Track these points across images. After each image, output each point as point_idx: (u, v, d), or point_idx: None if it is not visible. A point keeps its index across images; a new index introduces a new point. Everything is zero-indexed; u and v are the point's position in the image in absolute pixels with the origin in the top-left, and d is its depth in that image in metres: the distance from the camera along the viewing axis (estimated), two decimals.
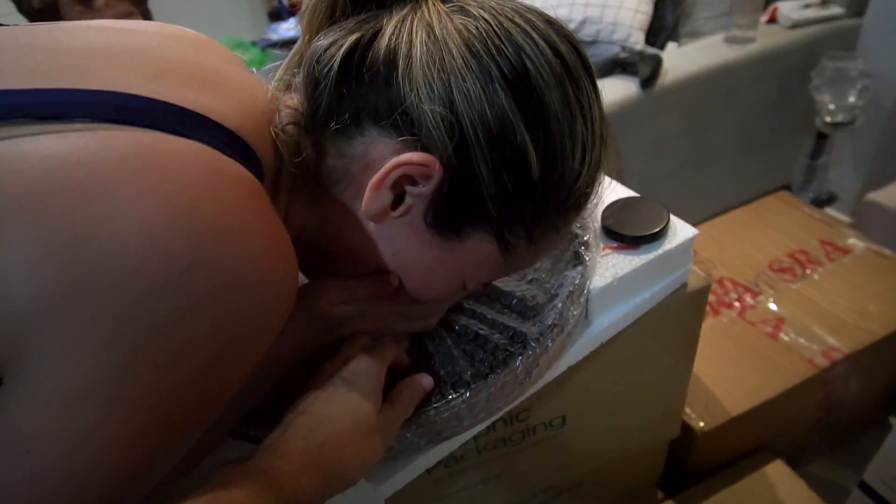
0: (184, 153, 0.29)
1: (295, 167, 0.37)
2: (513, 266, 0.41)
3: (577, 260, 0.51)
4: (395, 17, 0.35)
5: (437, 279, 0.40)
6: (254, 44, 2.37)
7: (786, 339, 0.97)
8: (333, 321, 0.42)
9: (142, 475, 0.28)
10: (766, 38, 1.42)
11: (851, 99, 1.38)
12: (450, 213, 0.36)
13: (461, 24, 0.34)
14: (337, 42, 0.35)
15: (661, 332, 0.60)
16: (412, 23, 0.34)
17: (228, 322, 0.28)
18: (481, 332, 0.49)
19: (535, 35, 0.34)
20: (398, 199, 0.35)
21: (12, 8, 0.98)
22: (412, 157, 0.33)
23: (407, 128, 0.33)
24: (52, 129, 0.27)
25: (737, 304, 1.05)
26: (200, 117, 0.31)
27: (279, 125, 0.36)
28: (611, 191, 0.59)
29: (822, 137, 1.53)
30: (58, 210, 0.25)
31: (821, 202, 1.59)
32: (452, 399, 0.43)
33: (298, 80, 0.37)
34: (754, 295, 1.06)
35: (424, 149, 0.34)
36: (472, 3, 0.35)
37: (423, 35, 0.33)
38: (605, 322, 0.53)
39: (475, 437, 0.56)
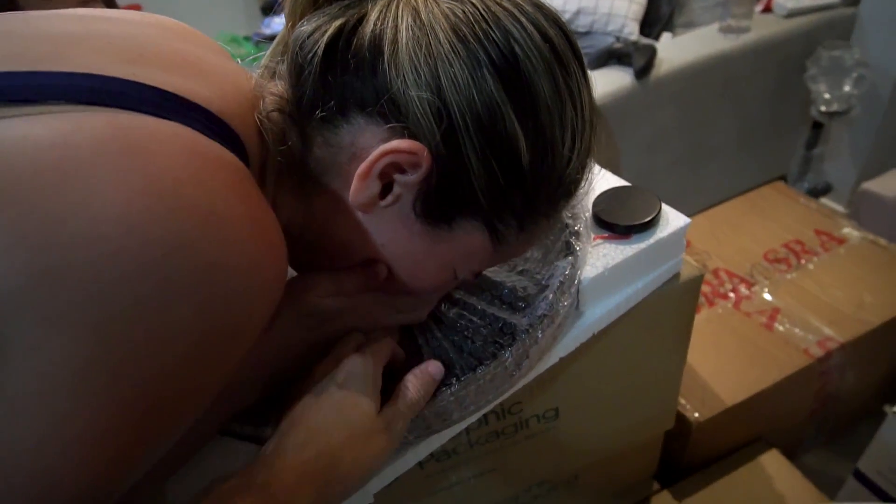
0: (164, 135, 0.28)
1: (281, 156, 0.36)
2: (504, 255, 0.40)
3: (568, 250, 0.50)
4: (381, 2, 0.34)
5: (427, 269, 0.40)
6: (247, 38, 2.36)
7: (781, 329, 0.97)
8: (322, 315, 0.42)
9: (118, 473, 0.27)
10: (761, 28, 1.41)
11: (847, 88, 1.38)
12: (439, 203, 0.35)
13: (448, 8, 0.33)
14: (321, 28, 0.34)
15: (655, 323, 0.60)
16: (398, 7, 0.33)
17: (211, 309, 0.27)
18: (470, 323, 0.48)
19: (523, 19, 0.34)
20: (386, 189, 0.35)
21: None
22: (400, 144, 0.32)
23: (394, 115, 0.33)
24: (26, 112, 0.26)
25: (732, 294, 1.05)
26: (181, 100, 0.30)
27: (263, 112, 0.36)
28: (602, 180, 0.59)
29: (817, 127, 1.53)
30: (30, 194, 0.24)
31: (816, 192, 1.59)
32: (441, 392, 0.43)
33: (283, 67, 0.37)
34: (749, 286, 1.06)
35: (412, 136, 0.33)
36: None
37: (409, 20, 0.33)
38: (597, 313, 0.53)
39: (467, 431, 0.56)
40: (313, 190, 0.37)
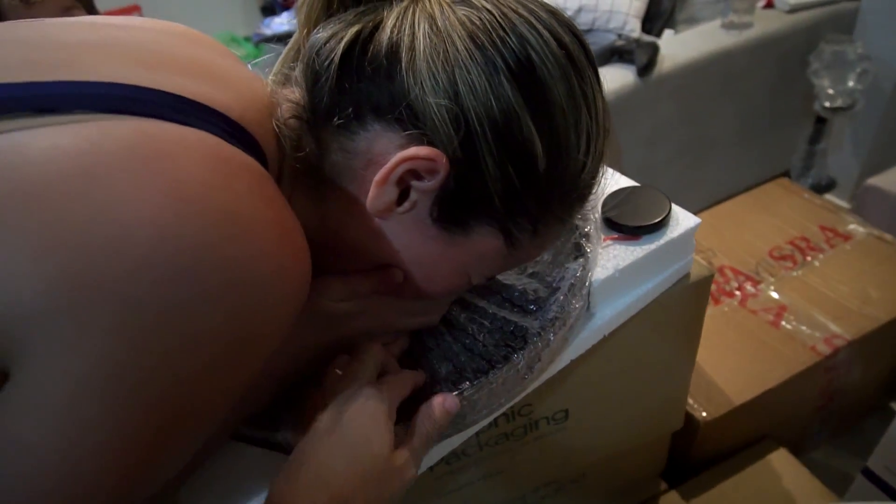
0: (189, 141, 0.28)
1: (297, 161, 0.36)
2: (517, 259, 0.40)
3: (579, 252, 0.50)
4: (397, 9, 0.34)
5: (441, 274, 0.39)
6: (247, 39, 2.35)
7: (787, 326, 0.97)
8: (335, 318, 0.42)
9: (143, 477, 0.28)
10: (763, 23, 1.41)
11: (850, 83, 1.37)
12: (455, 208, 0.35)
13: (464, 15, 0.33)
14: (337, 34, 0.34)
15: (664, 324, 0.60)
16: (414, 14, 0.33)
17: (239, 315, 0.27)
18: (481, 327, 0.48)
19: (538, 26, 0.34)
20: (403, 195, 0.35)
21: None
22: (418, 151, 0.32)
23: (411, 122, 0.33)
24: (52, 122, 0.26)
25: (737, 292, 1.04)
26: (202, 107, 0.31)
27: (281, 119, 0.36)
28: (611, 181, 0.58)
29: (820, 122, 1.52)
30: (59, 201, 0.24)
31: (820, 188, 1.58)
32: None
33: (298, 73, 0.37)
34: (755, 283, 1.05)
35: (430, 143, 0.33)
36: None
37: (426, 27, 0.33)
38: (608, 314, 0.52)
39: (477, 433, 0.56)
40: (329, 195, 0.37)
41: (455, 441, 0.47)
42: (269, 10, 2.54)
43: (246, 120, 0.33)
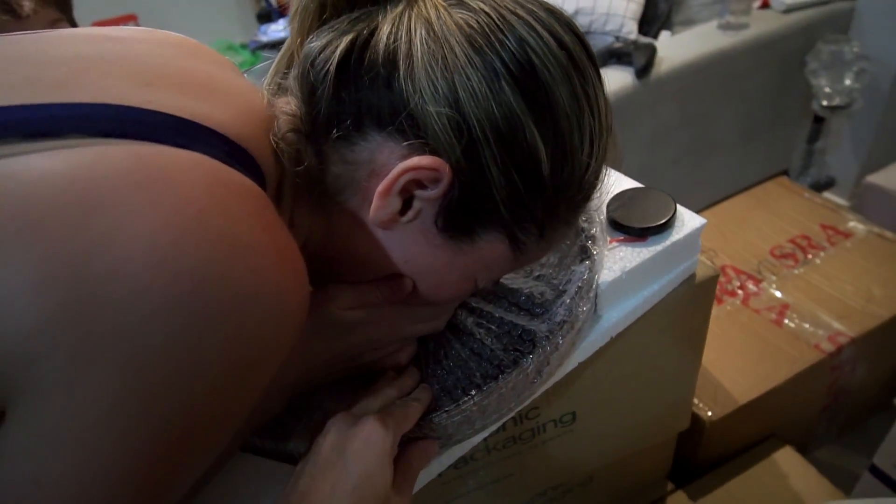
0: (185, 165, 0.28)
1: (297, 175, 0.35)
2: (523, 261, 0.40)
3: (585, 254, 0.50)
4: (391, 14, 0.33)
5: (449, 281, 0.39)
6: (244, 46, 2.36)
7: (791, 325, 0.97)
8: (344, 327, 0.41)
9: (155, 500, 0.27)
10: (760, 24, 1.41)
11: (848, 82, 1.38)
12: (460, 215, 0.35)
13: (461, 18, 0.33)
14: (332, 43, 0.33)
15: (671, 324, 0.60)
16: (410, 20, 0.33)
17: (239, 340, 0.27)
18: (489, 331, 0.48)
19: (538, 27, 0.33)
20: (406, 204, 0.34)
21: None
22: (421, 161, 0.32)
23: (413, 131, 0.32)
24: (45, 147, 0.25)
25: (740, 291, 1.04)
26: (199, 127, 0.30)
27: (279, 134, 0.35)
28: (615, 182, 0.58)
29: (818, 121, 1.53)
30: (57, 230, 0.24)
31: (820, 186, 1.59)
32: (464, 402, 0.42)
33: (293, 84, 0.36)
34: (757, 282, 1.06)
35: (432, 152, 0.32)
36: None
37: (423, 32, 0.32)
38: (615, 317, 0.52)
39: (485, 438, 0.56)
40: (331, 207, 0.37)
41: (466, 446, 0.47)
42: (266, 18, 2.54)
43: (244, 138, 0.32)
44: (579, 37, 0.35)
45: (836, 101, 1.40)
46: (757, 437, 0.94)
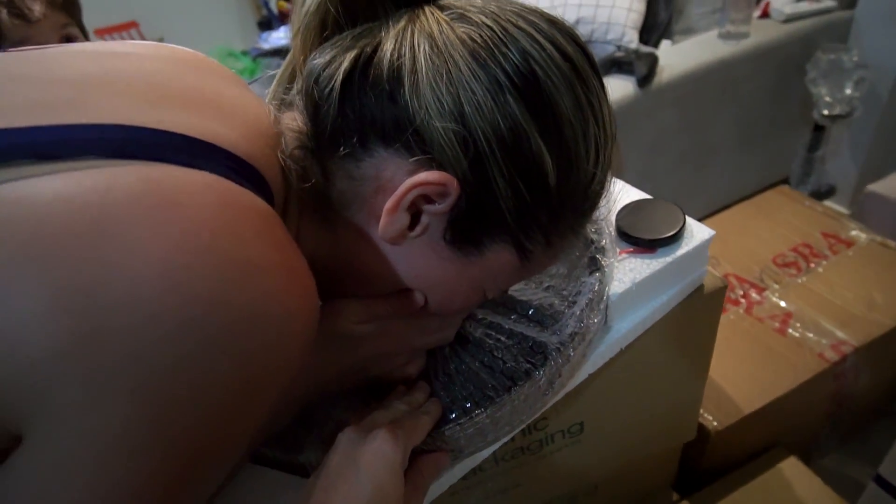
0: (195, 187, 0.28)
1: (303, 191, 0.35)
2: (532, 270, 0.40)
3: (594, 266, 0.50)
4: (394, 30, 0.33)
5: (458, 292, 0.39)
6: (245, 53, 2.36)
7: (795, 334, 0.97)
8: (355, 340, 0.41)
9: None
10: (759, 33, 1.42)
11: (848, 91, 1.39)
12: (468, 227, 0.35)
13: (464, 32, 0.33)
14: (335, 60, 0.33)
15: (679, 335, 0.60)
16: (413, 35, 0.33)
17: (249, 361, 0.27)
18: (499, 342, 0.48)
19: (540, 38, 0.33)
20: (414, 219, 0.35)
21: None
22: (429, 176, 0.32)
23: (419, 147, 0.32)
24: (56, 169, 0.25)
25: (743, 300, 1.05)
26: (208, 145, 0.30)
27: (286, 150, 0.35)
28: (623, 193, 0.59)
29: (818, 129, 1.54)
30: (69, 256, 0.24)
31: (820, 194, 1.59)
32: (477, 415, 0.42)
33: (297, 100, 0.36)
34: (760, 290, 1.06)
35: (439, 166, 0.32)
36: (472, 8, 0.34)
37: (427, 47, 0.32)
38: (624, 328, 0.52)
39: None
40: (338, 223, 0.37)
41: (478, 458, 0.47)
42: (267, 25, 2.55)
43: (253, 155, 0.32)
44: (582, 47, 0.35)
45: (837, 110, 1.41)
46: (761, 446, 0.94)
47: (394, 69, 0.32)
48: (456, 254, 0.36)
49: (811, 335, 0.96)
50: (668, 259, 0.52)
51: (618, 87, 1.31)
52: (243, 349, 0.27)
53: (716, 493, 0.88)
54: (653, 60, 1.30)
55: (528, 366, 0.45)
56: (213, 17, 2.53)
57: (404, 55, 0.32)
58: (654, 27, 1.55)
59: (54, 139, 0.27)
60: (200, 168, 0.29)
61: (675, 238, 0.53)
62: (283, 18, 2.47)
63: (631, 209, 0.56)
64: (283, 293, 0.28)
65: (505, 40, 0.32)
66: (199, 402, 0.26)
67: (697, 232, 0.54)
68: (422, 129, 0.32)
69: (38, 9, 0.88)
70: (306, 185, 0.35)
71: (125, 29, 2.30)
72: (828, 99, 1.41)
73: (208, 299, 0.25)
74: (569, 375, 0.49)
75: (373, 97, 0.32)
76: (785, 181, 1.65)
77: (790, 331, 0.98)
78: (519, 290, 0.52)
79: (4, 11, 0.87)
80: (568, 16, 1.44)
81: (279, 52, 2.14)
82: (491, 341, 0.48)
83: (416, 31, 0.33)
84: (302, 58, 0.36)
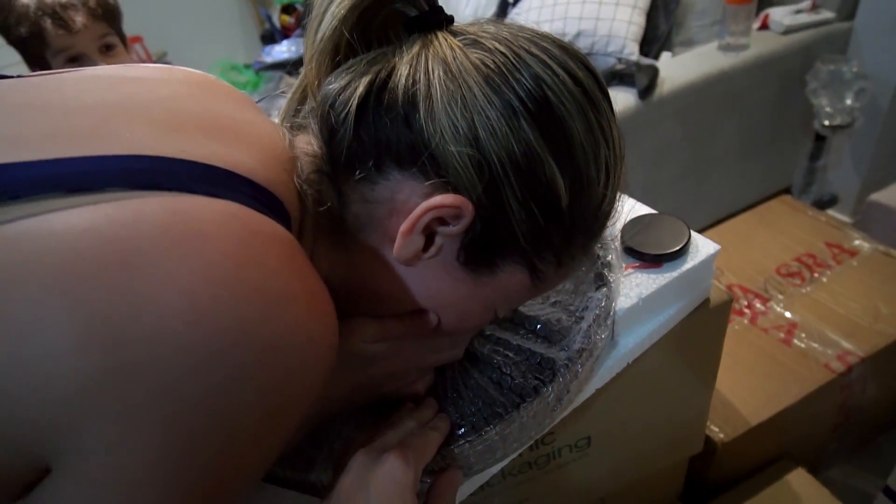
0: (220, 217, 0.28)
1: (318, 215, 0.36)
2: (542, 289, 0.41)
3: (601, 281, 0.51)
4: (407, 55, 0.34)
5: (471, 313, 0.40)
6: (248, 66, 2.38)
7: (800, 345, 0.97)
8: (366, 360, 0.42)
9: None
10: (759, 45, 1.43)
11: (848, 101, 1.39)
12: (482, 250, 0.35)
13: (477, 58, 0.33)
14: (350, 85, 0.34)
15: (685, 349, 0.60)
16: (427, 60, 0.33)
17: (273, 389, 0.28)
18: (507, 359, 0.48)
19: (552, 64, 0.34)
20: (427, 240, 0.35)
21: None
22: (444, 199, 0.33)
23: (434, 170, 0.33)
24: (82, 202, 0.26)
25: (747, 310, 1.04)
26: (229, 174, 0.31)
27: (302, 175, 0.36)
28: (629, 209, 0.59)
29: (820, 140, 1.54)
30: (98, 291, 0.24)
31: (822, 204, 1.60)
32: (486, 432, 0.42)
33: (311, 122, 0.37)
34: (764, 301, 1.06)
35: (454, 189, 0.33)
36: (485, 34, 0.35)
37: (441, 73, 0.33)
38: (631, 342, 0.53)
39: None
40: (352, 245, 0.37)
41: (486, 475, 0.47)
42: (270, 39, 2.57)
43: (270, 181, 0.33)
44: (592, 71, 0.36)
45: (838, 121, 1.42)
46: (768, 457, 0.93)
47: (409, 94, 0.33)
48: (469, 275, 0.37)
49: (816, 345, 0.96)
50: (674, 274, 0.53)
51: (619, 100, 1.31)
52: (269, 379, 0.27)
53: None
54: (654, 72, 1.31)
55: (537, 382, 0.45)
56: (216, 32, 2.55)
57: (419, 80, 0.33)
58: (655, 39, 1.56)
59: (80, 171, 0.27)
60: (222, 197, 0.29)
61: (681, 253, 0.53)
62: (285, 32, 2.49)
63: (636, 224, 0.56)
64: (306, 322, 0.29)
65: (518, 66, 0.33)
66: (225, 432, 0.26)
67: (703, 246, 0.55)
68: (437, 154, 0.32)
69: (80, 20, 0.94)
70: (321, 209, 0.36)
71: (129, 43, 2.32)
72: (828, 109, 1.41)
73: (235, 331, 0.26)
74: (577, 391, 0.49)
75: (388, 122, 0.33)
76: (786, 191, 1.65)
77: (795, 341, 0.98)
78: (526, 306, 0.52)
79: (49, 21, 0.93)
80: (568, 29, 1.45)
81: (281, 66, 2.16)
82: (499, 357, 0.48)
83: (430, 57, 0.33)
84: (316, 82, 0.37)
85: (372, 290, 0.39)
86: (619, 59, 1.42)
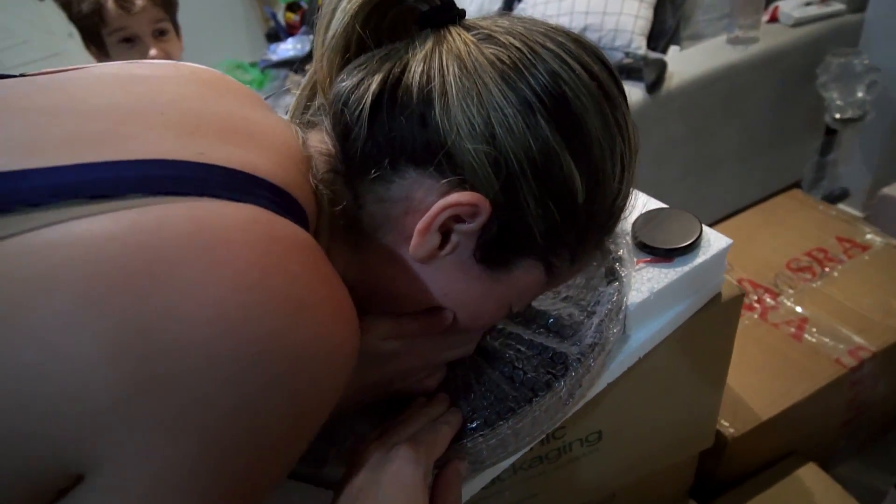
0: (243, 222, 0.28)
1: (333, 214, 0.36)
2: (554, 285, 0.41)
3: (612, 276, 0.50)
4: (421, 52, 0.34)
5: (486, 310, 0.40)
6: (253, 65, 2.38)
7: (811, 339, 0.96)
8: (380, 357, 0.42)
9: None
10: (768, 38, 1.42)
11: (859, 94, 1.38)
12: (498, 247, 0.35)
13: (492, 53, 0.33)
14: (363, 83, 0.34)
15: (696, 344, 0.60)
16: (441, 57, 0.33)
17: (301, 394, 0.28)
18: (519, 353, 0.48)
19: (569, 59, 0.33)
20: (444, 237, 0.35)
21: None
22: (461, 197, 0.32)
23: (450, 168, 0.33)
24: (105, 209, 0.25)
25: (757, 305, 1.04)
26: (247, 176, 0.30)
27: (318, 175, 0.35)
28: (640, 203, 0.59)
29: (830, 133, 1.53)
30: (127, 299, 0.24)
31: (833, 198, 1.58)
32: (499, 426, 0.43)
33: (324, 120, 0.36)
34: (774, 296, 1.05)
35: (471, 187, 0.33)
36: (499, 28, 0.34)
37: (456, 69, 0.32)
38: (643, 337, 0.53)
39: None
40: (367, 244, 0.37)
41: (498, 469, 0.47)
42: (275, 37, 2.57)
43: (288, 183, 0.33)
44: (607, 65, 0.36)
45: (849, 114, 1.40)
46: (778, 453, 0.93)
47: (424, 92, 0.32)
48: (485, 272, 0.37)
49: (827, 340, 0.96)
50: (686, 268, 0.53)
51: (627, 94, 1.31)
52: (298, 386, 0.27)
53: (734, 501, 0.87)
54: (661, 66, 1.30)
55: (549, 376, 0.45)
56: (221, 30, 2.56)
57: (434, 77, 0.32)
58: (662, 33, 1.55)
59: (100, 177, 0.26)
60: (243, 201, 0.29)
61: (693, 247, 0.53)
62: (290, 30, 2.49)
63: (647, 219, 0.56)
64: (330, 327, 0.29)
65: (534, 61, 0.33)
66: (257, 439, 0.26)
67: (714, 241, 0.55)
68: (453, 151, 0.32)
69: (139, 2, 0.99)
70: (337, 209, 0.35)
71: None
72: (839, 103, 1.40)
73: (263, 340, 0.25)
74: (588, 385, 0.49)
75: (403, 120, 0.33)
76: (796, 186, 1.64)
77: (806, 336, 0.97)
78: (538, 301, 0.52)
79: (110, 1, 0.98)
80: (575, 24, 1.45)
81: (287, 64, 2.16)
82: (511, 352, 0.48)
83: (444, 53, 0.33)
84: (327, 79, 0.36)
85: (387, 289, 0.39)
86: (627, 54, 1.42)
